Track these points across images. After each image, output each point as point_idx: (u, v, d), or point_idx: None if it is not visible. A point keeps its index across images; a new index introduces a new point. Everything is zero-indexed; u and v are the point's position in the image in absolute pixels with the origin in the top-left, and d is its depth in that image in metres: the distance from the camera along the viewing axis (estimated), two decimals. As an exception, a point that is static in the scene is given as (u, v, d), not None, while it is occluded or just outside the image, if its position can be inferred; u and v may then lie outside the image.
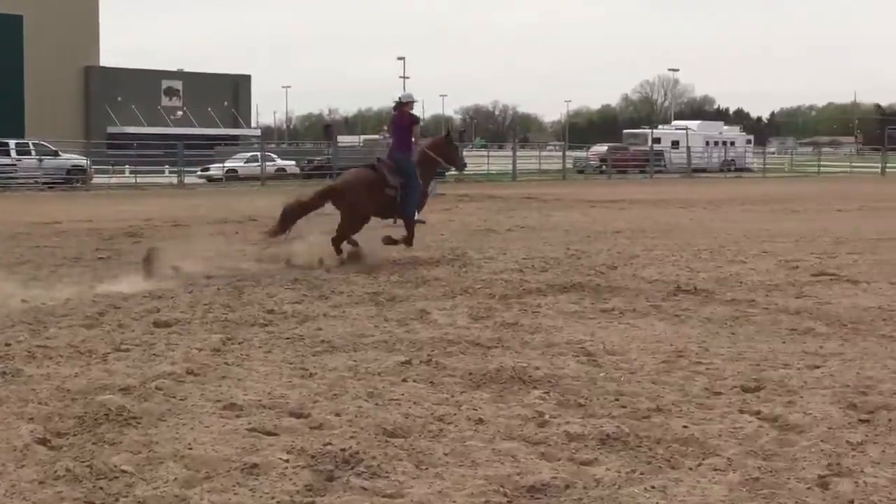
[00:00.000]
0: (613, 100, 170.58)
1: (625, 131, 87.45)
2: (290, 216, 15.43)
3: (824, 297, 12.09)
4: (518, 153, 61.84)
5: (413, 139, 15.93)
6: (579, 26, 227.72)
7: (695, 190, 42.83)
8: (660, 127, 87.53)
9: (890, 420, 6.79)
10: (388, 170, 15.59)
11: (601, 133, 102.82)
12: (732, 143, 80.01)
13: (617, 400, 7.29)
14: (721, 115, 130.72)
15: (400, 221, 16.38)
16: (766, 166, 72.78)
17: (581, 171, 63.71)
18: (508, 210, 29.43)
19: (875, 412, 6.97)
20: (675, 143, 73.68)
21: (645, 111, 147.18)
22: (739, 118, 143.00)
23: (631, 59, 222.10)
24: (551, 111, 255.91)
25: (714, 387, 7.72)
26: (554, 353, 8.88)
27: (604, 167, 62.96)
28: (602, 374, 8.12)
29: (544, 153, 73.76)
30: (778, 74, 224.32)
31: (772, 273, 14.32)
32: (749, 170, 73.66)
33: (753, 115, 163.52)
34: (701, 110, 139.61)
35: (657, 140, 74.65)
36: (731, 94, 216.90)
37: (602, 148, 68.69)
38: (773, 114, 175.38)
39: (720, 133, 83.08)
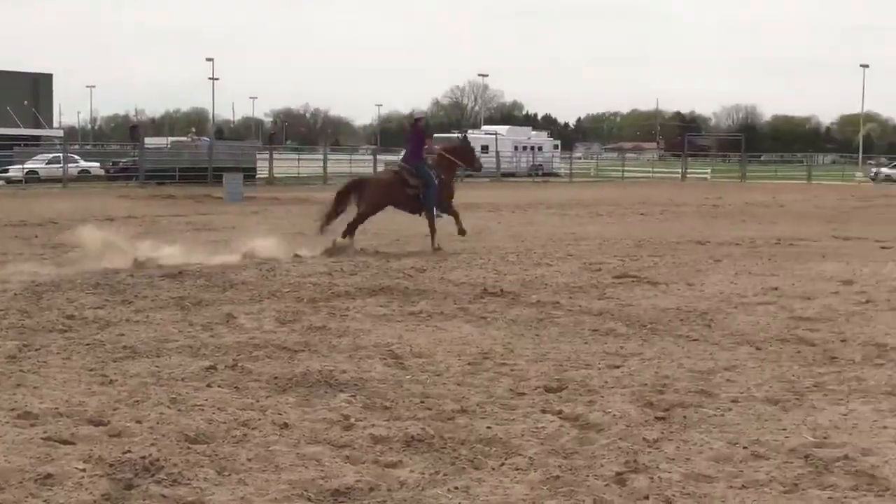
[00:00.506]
0: (424, 104, 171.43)
1: (435, 135, 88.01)
2: (338, 202, 18.29)
3: (626, 299, 12.44)
4: (329, 156, 61.64)
5: (426, 147, 18.79)
6: (390, 30, 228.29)
7: (503, 194, 43.48)
8: (470, 132, 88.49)
9: (685, 417, 7.03)
10: (408, 174, 18.40)
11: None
12: (540, 149, 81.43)
13: (422, 402, 7.34)
14: (530, 121, 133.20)
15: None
16: (573, 171, 74.46)
17: (392, 175, 63.75)
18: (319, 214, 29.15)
19: (671, 410, 7.21)
20: (485, 148, 74.39)
21: (455, 116, 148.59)
22: (548, 123, 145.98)
23: (441, 64, 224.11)
24: (363, 115, 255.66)
25: (518, 387, 7.85)
26: (361, 357, 8.88)
27: (415, 171, 63.19)
28: (408, 377, 8.16)
29: (355, 157, 73.76)
30: (585, 81, 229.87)
31: (576, 275, 14.65)
32: (556, 174, 75.11)
33: (561, 120, 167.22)
34: (510, 115, 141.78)
35: (467, 144, 75.28)
36: (540, 100, 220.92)
37: (412, 152, 68.83)
38: (579, 119, 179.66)
39: (528, 138, 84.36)
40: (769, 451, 6.27)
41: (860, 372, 8.55)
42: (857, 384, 8.11)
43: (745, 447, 6.33)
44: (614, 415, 7.03)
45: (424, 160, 18.57)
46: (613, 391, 7.76)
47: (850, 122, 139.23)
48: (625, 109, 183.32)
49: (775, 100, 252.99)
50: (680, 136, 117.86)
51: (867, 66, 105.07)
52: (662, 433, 6.64)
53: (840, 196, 46.25)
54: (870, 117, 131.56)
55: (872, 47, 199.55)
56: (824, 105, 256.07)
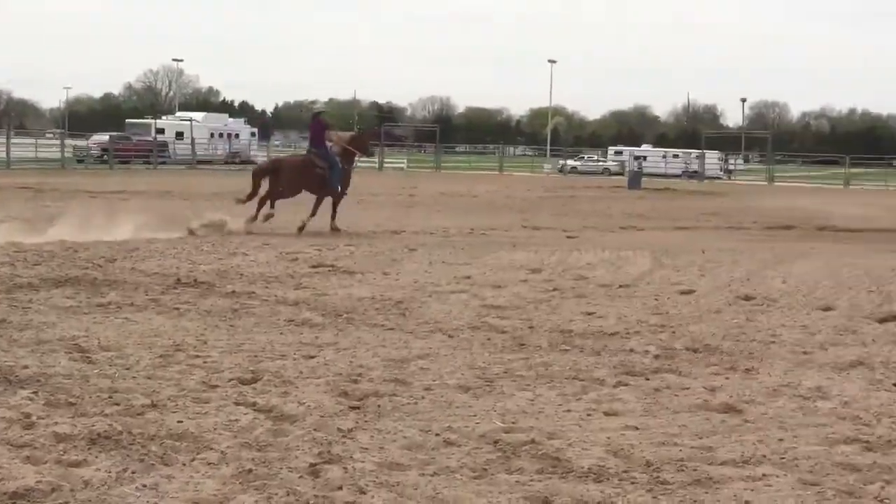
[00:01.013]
0: (116, 88, 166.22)
1: (127, 121, 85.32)
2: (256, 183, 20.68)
3: (322, 288, 12.43)
4: (13, 140, 58.66)
5: (327, 138, 21.23)
6: (82, 6, 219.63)
7: (199, 182, 42.65)
8: (164, 118, 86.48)
9: (379, 406, 7.07)
10: (316, 157, 20.80)
11: (103, 122, 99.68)
12: (237, 136, 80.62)
13: (110, 397, 7.06)
14: (226, 108, 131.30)
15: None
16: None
17: (81, 161, 61.47)
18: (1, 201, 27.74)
19: (365, 399, 7.23)
20: (180, 135, 73.01)
21: (149, 101, 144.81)
22: (244, 111, 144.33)
23: (134, 48, 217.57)
24: (49, 97, 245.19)
25: (211, 380, 7.68)
26: (44, 351, 8.46)
27: (105, 157, 61.13)
28: (96, 371, 7.84)
29: (42, 141, 70.48)
30: (281, 66, 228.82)
31: (272, 265, 14.53)
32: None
33: (258, 107, 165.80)
34: (206, 102, 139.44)
35: (161, 131, 73.61)
36: (236, 87, 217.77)
37: (104, 137, 66.62)
38: (276, 106, 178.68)
39: (225, 125, 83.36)
40: (460, 437, 6.39)
41: (547, 358, 8.86)
42: (543, 370, 8.39)
43: (437, 434, 6.42)
44: (309, 405, 6.98)
45: (329, 147, 21.02)
46: (308, 382, 7.72)
47: (539, 116, 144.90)
48: (323, 98, 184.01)
49: (469, 92, 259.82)
50: (377, 126, 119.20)
51: (555, 61, 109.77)
52: (357, 423, 6.65)
53: (529, 187, 48.08)
54: (557, 111, 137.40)
55: (562, 44, 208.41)
56: (515, 98, 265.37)
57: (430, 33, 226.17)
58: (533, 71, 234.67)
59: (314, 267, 14.43)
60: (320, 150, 20.97)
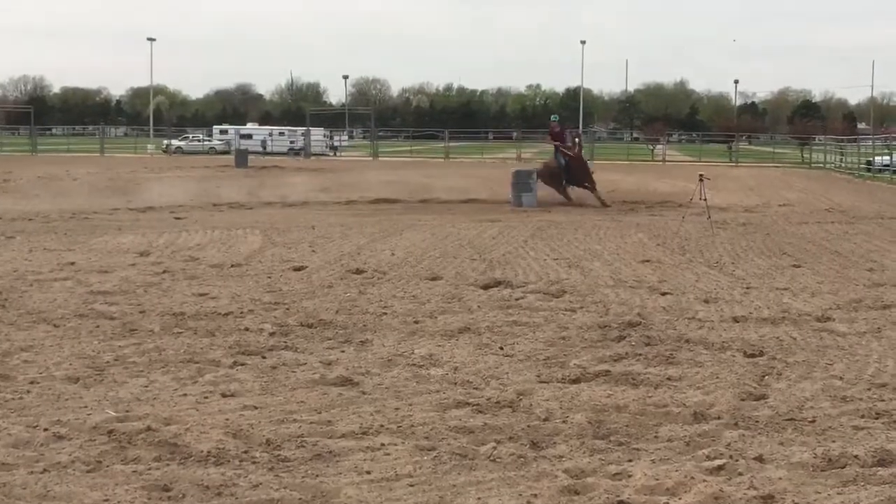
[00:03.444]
0: None
1: None
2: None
3: None
4: None
5: None
6: None
7: None
8: None
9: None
10: None
11: None
12: None
13: None
14: None
15: None
16: None
17: None
18: None
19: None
20: None
21: None
22: None
23: None
24: None
25: None
26: None
27: None
28: None
29: None
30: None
31: None
32: None
33: None
34: None
35: None
36: None
37: None
38: None
39: None
40: (71, 430, 6.10)
41: (159, 342, 8.64)
42: (157, 355, 8.18)
43: (45, 429, 6.10)
44: None
45: None
46: None
47: (140, 95, 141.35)
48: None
49: (63, 72, 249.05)
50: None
51: (154, 39, 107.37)
52: (-45, 424, 6.20)
53: (133, 168, 46.71)
54: (159, 90, 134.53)
55: (155, 20, 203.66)
56: (114, 78, 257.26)
57: (20, 4, 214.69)
58: (131, 49, 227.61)
59: None
60: None
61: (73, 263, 13.23)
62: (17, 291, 11.08)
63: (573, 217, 21.77)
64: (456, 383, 7.38)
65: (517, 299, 10.93)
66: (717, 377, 7.56)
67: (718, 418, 6.48)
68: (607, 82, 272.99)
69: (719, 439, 6.02)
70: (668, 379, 7.51)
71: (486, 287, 11.63)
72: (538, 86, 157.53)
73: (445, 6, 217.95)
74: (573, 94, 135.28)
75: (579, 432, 6.17)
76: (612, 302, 10.77)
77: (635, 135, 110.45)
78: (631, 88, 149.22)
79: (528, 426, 6.30)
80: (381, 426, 6.25)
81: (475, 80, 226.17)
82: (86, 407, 6.64)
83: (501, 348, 8.56)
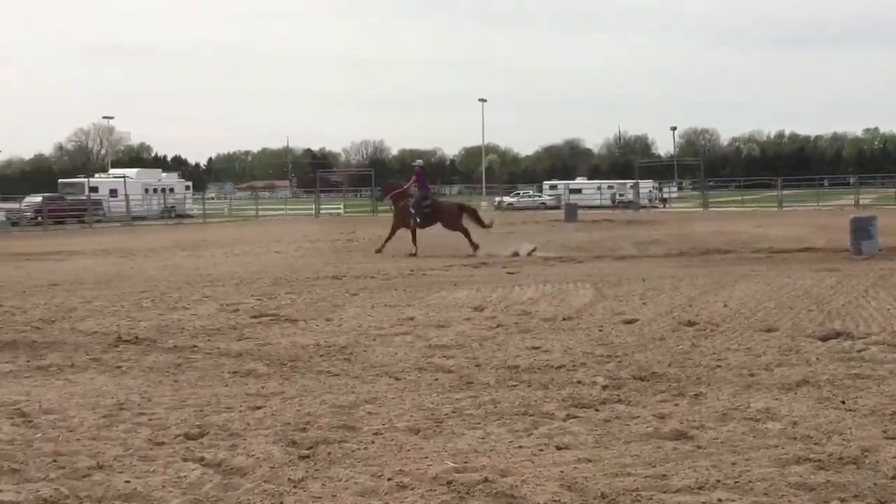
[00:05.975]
0: (47, 149, 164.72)
1: (60, 181, 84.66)
2: None
3: (264, 338, 12.32)
4: (-56, 206, 57.96)
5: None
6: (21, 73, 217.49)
7: (135, 238, 42.34)
8: (97, 175, 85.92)
9: (329, 453, 6.99)
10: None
11: (35, 184, 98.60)
12: (172, 190, 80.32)
13: (55, 461, 6.92)
14: (159, 163, 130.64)
15: None
16: (207, 211, 73.72)
17: (15, 224, 60.86)
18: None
19: (315, 447, 7.15)
20: (114, 192, 72.52)
21: (81, 160, 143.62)
22: (178, 165, 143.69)
23: (63, 107, 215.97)
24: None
25: (157, 437, 7.56)
26: (-15, 418, 8.28)
27: (39, 218, 60.54)
28: (39, 435, 7.68)
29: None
30: (210, 120, 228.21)
31: (213, 317, 14.39)
32: (189, 216, 74.14)
33: (191, 161, 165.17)
34: (138, 158, 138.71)
35: (95, 189, 73.26)
36: (168, 141, 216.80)
37: (37, 198, 66.03)
38: (210, 160, 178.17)
39: (159, 180, 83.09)
40: (413, 480, 6.33)
41: (495, 395, 8.82)
42: (492, 407, 8.35)
43: (389, 479, 6.36)
44: (258, 457, 6.89)
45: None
46: (256, 433, 7.62)
47: (472, 154, 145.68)
48: (255, 148, 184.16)
49: (402, 134, 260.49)
50: (311, 172, 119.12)
51: (485, 100, 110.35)
52: (307, 472, 6.56)
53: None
54: (490, 149, 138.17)
55: (485, 82, 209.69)
56: (448, 138, 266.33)
57: (359, 78, 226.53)
58: (463, 110, 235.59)
59: (256, 317, 14.31)
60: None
61: (412, 318, 13.75)
62: (362, 346, 11.62)
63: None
64: (795, 438, 7.15)
65: (859, 351, 10.47)
66: None
67: None
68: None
69: None
70: None
71: (824, 338, 11.21)
72: (876, 129, 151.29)
73: (770, 52, 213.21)
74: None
75: (930, 491, 5.84)
76: (965, 353, 10.13)
77: None
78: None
79: (875, 484, 6.01)
80: (718, 481, 6.14)
81: (808, 126, 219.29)
82: (426, 458, 6.87)
83: (843, 402, 8.22)
